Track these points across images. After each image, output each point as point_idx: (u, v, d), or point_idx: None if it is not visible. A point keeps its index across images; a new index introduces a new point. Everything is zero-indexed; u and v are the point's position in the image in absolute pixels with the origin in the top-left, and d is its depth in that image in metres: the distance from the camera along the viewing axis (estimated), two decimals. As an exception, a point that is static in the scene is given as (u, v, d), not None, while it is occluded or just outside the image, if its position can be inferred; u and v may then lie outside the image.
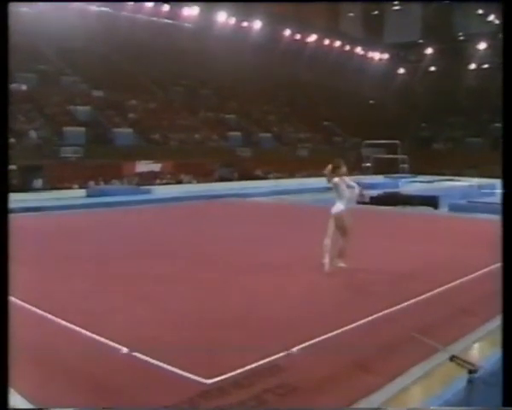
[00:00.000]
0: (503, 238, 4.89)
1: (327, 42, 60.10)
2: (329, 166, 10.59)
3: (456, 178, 42.57)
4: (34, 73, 37.93)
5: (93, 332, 7.17)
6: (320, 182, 37.19)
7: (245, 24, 53.99)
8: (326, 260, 10.40)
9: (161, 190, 30.55)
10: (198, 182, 37.95)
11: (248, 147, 44.10)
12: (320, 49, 58.83)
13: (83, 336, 7.15)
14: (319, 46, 59.03)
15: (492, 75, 47.39)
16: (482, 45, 54.32)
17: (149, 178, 36.21)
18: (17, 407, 4.95)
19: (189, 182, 37.83)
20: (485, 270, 10.78)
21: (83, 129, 35.45)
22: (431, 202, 26.24)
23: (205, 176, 39.26)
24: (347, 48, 61.89)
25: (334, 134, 54.01)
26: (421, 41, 58.61)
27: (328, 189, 32.59)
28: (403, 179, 40.66)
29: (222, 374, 5.81)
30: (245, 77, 51.59)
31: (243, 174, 40.72)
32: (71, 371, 6.18)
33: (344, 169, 10.62)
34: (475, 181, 39.43)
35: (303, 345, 6.61)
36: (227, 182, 37.65)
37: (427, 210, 25.06)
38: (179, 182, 37.41)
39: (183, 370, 5.94)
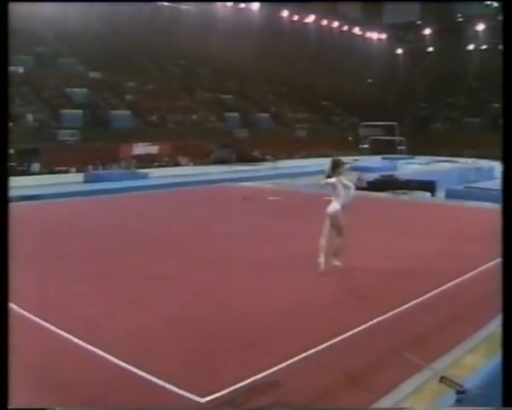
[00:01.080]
0: (504, 231, 4.88)
1: (325, 23, 59.81)
2: (329, 164, 10.51)
3: (454, 159, 42.58)
4: (31, 56, 37.74)
5: (83, 341, 7.14)
6: (318, 164, 37.61)
7: (242, 5, 53.68)
8: (321, 260, 10.24)
9: (158, 174, 30.54)
10: (195, 164, 37.92)
11: (246, 128, 44.07)
12: (318, 29, 58.54)
13: (73, 345, 7.12)
14: (317, 27, 58.76)
15: (491, 56, 47.28)
16: (481, 27, 54.12)
17: (147, 161, 36.19)
18: (17, 407, 4.89)
19: (187, 164, 37.79)
20: (482, 268, 10.69)
21: (80, 111, 35.36)
22: (428, 186, 26.25)
23: (202, 158, 39.27)
24: (345, 28, 61.59)
25: (333, 114, 53.95)
26: (419, 22, 58.29)
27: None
28: (400, 161, 40.64)
29: (216, 391, 5.78)
30: (243, 57, 51.37)
31: (241, 156, 40.68)
32: (59, 382, 6.19)
33: (343, 168, 10.54)
34: (473, 163, 39.44)
35: (296, 358, 6.56)
36: (224, 164, 37.65)
37: (423, 196, 25.06)
38: (177, 164, 37.41)
39: (177, 386, 5.92)
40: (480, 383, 5.82)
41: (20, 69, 34.13)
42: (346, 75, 56.51)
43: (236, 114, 45.22)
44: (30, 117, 32.70)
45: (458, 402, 5.36)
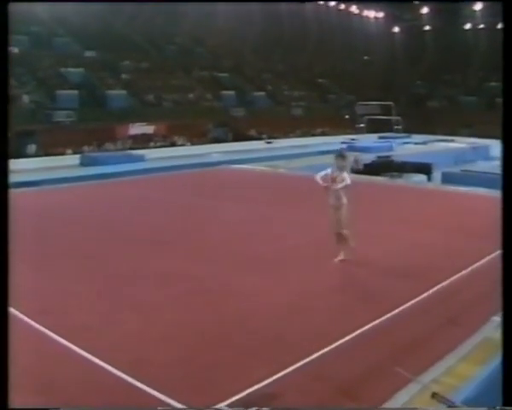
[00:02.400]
0: (504, 223, 4.91)
1: (322, 1, 59.36)
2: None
3: (450, 138, 42.59)
4: (26, 36, 37.47)
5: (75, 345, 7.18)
6: (316, 143, 37.58)
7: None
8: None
9: (155, 155, 30.49)
10: (192, 144, 37.85)
11: (242, 107, 43.92)
12: (315, 8, 58.12)
13: (65, 350, 7.16)
14: (314, 5, 58.33)
15: (488, 35, 47.14)
16: (478, 6, 53.81)
17: (143, 141, 36.14)
18: (17, 407, 4.93)
19: (183, 144, 37.72)
20: (477, 264, 10.65)
21: (76, 92, 35.19)
22: (424, 169, 26.38)
23: (198, 137, 39.21)
24: (342, 6, 61.17)
25: (329, 92, 53.76)
26: (416, 2, 57.89)
27: (327, 152, 32.50)
28: (397, 140, 40.64)
29: (211, 405, 5.82)
30: (239, 35, 51.04)
31: (237, 135, 40.64)
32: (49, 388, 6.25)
33: (336, 161, 10.72)
34: (469, 142, 39.50)
35: (291, 368, 6.58)
36: (221, 143, 37.65)
37: (420, 180, 25.13)
38: (173, 144, 37.33)
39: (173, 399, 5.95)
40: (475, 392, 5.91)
41: (15, 50, 33.90)
42: (342, 53, 56.30)
43: (233, 93, 45.03)
44: (25, 98, 32.55)
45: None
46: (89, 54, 40.44)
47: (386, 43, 56.85)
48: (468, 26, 52.27)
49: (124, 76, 40.62)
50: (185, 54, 47.23)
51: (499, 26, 40.56)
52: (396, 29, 60.44)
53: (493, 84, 44.62)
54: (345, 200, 10.55)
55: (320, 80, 54.56)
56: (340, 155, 10.95)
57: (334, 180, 10.51)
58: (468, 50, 50.04)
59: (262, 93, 47.68)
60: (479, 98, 48.11)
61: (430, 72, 52.79)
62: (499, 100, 5.12)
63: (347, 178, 10.51)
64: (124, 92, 38.18)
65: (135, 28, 45.31)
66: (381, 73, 54.56)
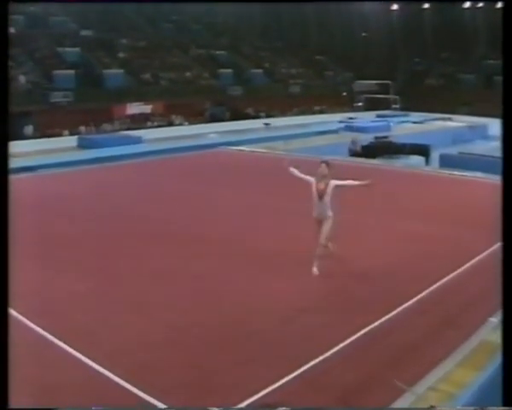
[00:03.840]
0: (503, 211, 4.91)
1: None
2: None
3: (448, 116, 42.51)
4: (22, 15, 37.18)
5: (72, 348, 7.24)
6: (313, 122, 37.45)
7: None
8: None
9: (152, 136, 30.44)
10: (189, 123, 37.78)
11: (240, 85, 43.69)
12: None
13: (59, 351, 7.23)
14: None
15: (487, 14, 46.80)
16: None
17: (140, 121, 36.09)
18: (17, 407, 4.99)
19: (180, 123, 37.64)
20: (476, 260, 10.64)
21: (72, 72, 34.96)
22: (422, 151, 26.39)
23: (196, 116, 39.11)
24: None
25: (327, 69, 53.46)
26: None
27: (325, 132, 32.28)
28: (394, 119, 40.58)
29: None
30: (236, 12, 50.58)
31: (235, 113, 40.55)
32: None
33: (320, 170, 9.81)
34: (467, 121, 39.44)
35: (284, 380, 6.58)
36: (218, 122, 37.56)
37: (417, 163, 25.13)
38: (170, 123, 37.26)
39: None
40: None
41: (12, 30, 33.63)
42: (340, 30, 55.83)
43: (230, 71, 44.76)
44: (22, 79, 32.35)
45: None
46: (85, 33, 40.16)
47: (384, 21, 56.28)
48: (467, 4, 51.76)
49: (121, 55, 40.38)
50: (182, 32, 46.88)
51: (498, 5, 40.34)
52: (395, 6, 59.80)
53: (491, 62, 44.35)
54: (330, 212, 9.83)
55: (317, 57, 54.23)
56: (324, 162, 9.96)
57: (321, 193, 9.79)
58: (466, 29, 49.66)
59: (259, 71, 47.40)
60: (477, 76, 47.88)
61: (428, 49, 52.45)
62: (498, 78, 5.08)
63: (333, 183, 9.73)
64: (121, 71, 37.95)
65: (131, 6, 44.91)
66: (380, 50, 54.17)
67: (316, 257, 9.91)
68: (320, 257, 9.91)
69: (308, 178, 9.98)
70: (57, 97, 32.73)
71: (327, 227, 9.85)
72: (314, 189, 9.82)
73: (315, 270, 9.87)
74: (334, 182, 9.75)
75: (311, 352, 7.10)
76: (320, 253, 9.91)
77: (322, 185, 9.77)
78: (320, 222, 9.91)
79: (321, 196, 9.77)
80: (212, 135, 32.61)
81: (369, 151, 26.85)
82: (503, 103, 5.20)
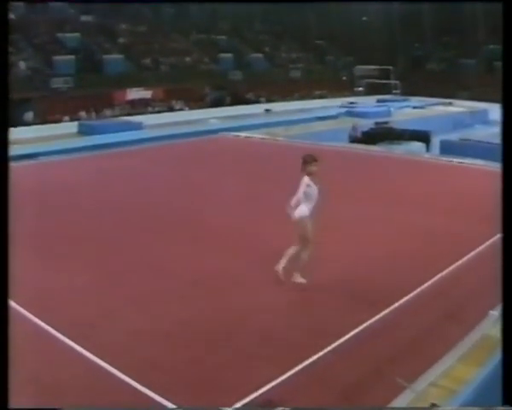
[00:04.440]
0: (504, 201, 4.91)
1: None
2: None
3: (448, 101, 42.46)
4: (22, 1, 37.03)
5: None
6: (314, 108, 37.36)
7: None
8: (280, 267, 8.99)
9: (153, 122, 30.42)
10: (190, 108, 37.75)
11: (240, 69, 43.62)
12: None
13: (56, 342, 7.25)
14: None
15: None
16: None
17: (141, 106, 36.08)
18: (17, 407, 4.98)
19: (181, 109, 37.61)
20: (476, 252, 10.54)
21: (72, 57, 34.95)
22: (422, 137, 26.36)
23: (196, 101, 39.05)
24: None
25: (327, 53, 53.33)
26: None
27: (326, 117, 32.15)
28: (395, 103, 40.49)
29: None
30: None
31: (235, 98, 40.50)
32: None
33: (314, 168, 8.84)
34: (468, 106, 39.43)
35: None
36: (219, 107, 37.51)
37: (418, 150, 25.10)
38: (171, 108, 37.23)
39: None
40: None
41: (12, 16, 33.52)
42: (340, 14, 55.54)
43: (230, 56, 44.65)
44: (22, 65, 32.30)
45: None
46: (85, 18, 40.04)
47: (385, 5, 56.01)
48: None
49: (121, 40, 40.28)
50: (182, 16, 46.69)
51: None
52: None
53: (492, 46, 44.22)
54: (303, 213, 8.76)
55: (318, 42, 54.05)
56: (303, 157, 9.00)
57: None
58: (467, 14, 49.38)
59: (259, 55, 47.29)
60: (478, 61, 47.72)
61: (429, 34, 52.27)
62: (498, 63, 5.10)
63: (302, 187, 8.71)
64: (121, 57, 37.90)
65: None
66: (380, 34, 53.94)
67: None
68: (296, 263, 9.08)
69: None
70: (57, 83, 32.78)
71: (305, 227, 8.93)
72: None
73: (297, 280, 9.03)
74: (304, 180, 8.79)
75: (311, 347, 7.10)
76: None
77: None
78: (295, 224, 8.96)
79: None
80: (212, 120, 32.58)
81: (370, 137, 26.84)
82: (502, 89, 5.21)
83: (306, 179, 8.72)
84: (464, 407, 5.48)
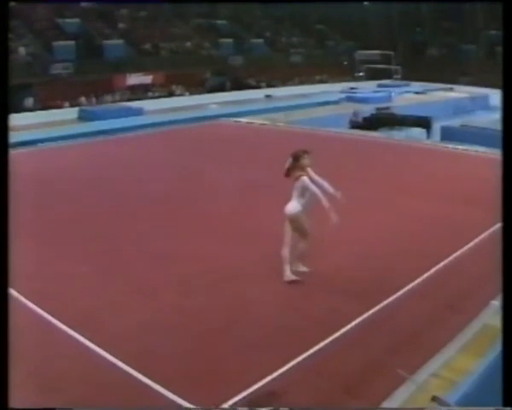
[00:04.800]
0: (504, 188, 4.91)
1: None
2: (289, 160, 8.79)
3: (449, 86, 42.40)
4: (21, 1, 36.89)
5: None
6: (314, 93, 37.22)
7: None
8: (287, 273, 8.84)
9: (153, 107, 30.39)
10: (190, 93, 37.69)
11: (240, 55, 43.47)
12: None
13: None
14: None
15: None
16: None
17: (141, 91, 36.00)
18: (17, 407, 4.95)
19: (181, 94, 37.52)
20: (477, 240, 10.50)
21: (72, 43, 34.80)
22: (424, 123, 26.32)
23: (196, 86, 38.94)
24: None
25: (327, 38, 53.11)
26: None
27: (326, 103, 32.10)
28: (396, 89, 40.38)
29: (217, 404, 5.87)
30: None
31: (235, 83, 40.41)
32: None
33: (307, 160, 8.71)
34: (468, 92, 39.37)
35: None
36: (219, 92, 37.43)
37: (419, 136, 25.09)
38: (171, 94, 37.16)
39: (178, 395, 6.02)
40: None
41: (11, 2, 33.34)
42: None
43: (230, 41, 44.48)
44: (22, 51, 32.19)
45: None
46: (85, 4, 39.80)
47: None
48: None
49: (121, 25, 40.11)
50: (182, 1, 46.45)
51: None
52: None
53: (492, 32, 44.09)
54: (297, 208, 8.64)
55: (318, 26, 53.80)
56: (292, 154, 8.85)
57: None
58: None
59: (260, 40, 47.12)
60: (478, 46, 47.55)
61: (430, 19, 52.06)
62: (499, 49, 5.08)
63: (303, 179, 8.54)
64: (121, 42, 37.76)
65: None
66: (381, 19, 53.72)
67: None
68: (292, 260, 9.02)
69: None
70: (57, 69, 32.64)
71: (300, 223, 8.83)
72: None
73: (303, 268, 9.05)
74: (304, 179, 8.57)
75: (312, 337, 7.13)
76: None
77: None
78: (289, 220, 8.87)
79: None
80: (213, 106, 32.56)
81: (371, 123, 26.81)
82: (503, 76, 5.19)
83: (306, 180, 8.52)
84: (464, 407, 5.47)
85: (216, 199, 13.88)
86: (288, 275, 8.81)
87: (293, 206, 8.64)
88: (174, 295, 8.50)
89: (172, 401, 5.95)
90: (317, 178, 8.69)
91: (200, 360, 6.81)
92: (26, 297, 8.06)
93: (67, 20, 37.02)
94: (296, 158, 8.68)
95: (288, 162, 8.74)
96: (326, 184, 8.64)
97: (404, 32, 52.29)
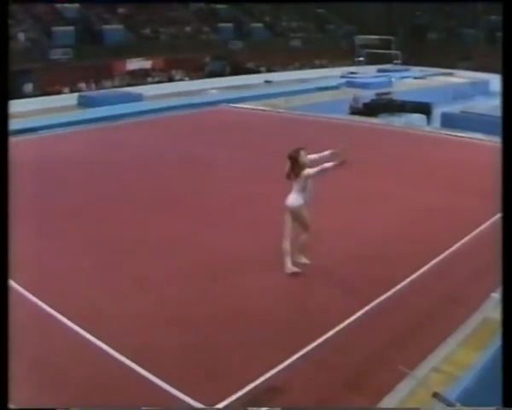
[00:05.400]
0: (504, 177, 4.93)
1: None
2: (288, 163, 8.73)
3: (449, 71, 42.31)
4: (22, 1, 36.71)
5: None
6: (314, 78, 37.10)
7: None
8: (289, 265, 8.87)
9: (153, 93, 30.30)
10: (190, 78, 37.62)
11: (240, 39, 43.33)
12: None
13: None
14: None
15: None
16: None
17: (140, 77, 35.91)
18: (17, 407, 5.03)
19: (181, 79, 37.46)
20: (478, 230, 10.51)
21: (72, 28, 34.67)
22: (424, 109, 26.31)
23: (196, 71, 38.86)
24: None
25: (327, 22, 52.89)
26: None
27: (326, 88, 31.99)
28: (396, 74, 40.28)
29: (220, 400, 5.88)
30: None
31: (235, 68, 40.32)
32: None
33: (304, 158, 8.65)
34: (468, 77, 39.29)
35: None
36: (219, 77, 37.37)
37: (419, 122, 25.07)
38: (170, 79, 37.10)
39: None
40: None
41: (10, -13, 33.20)
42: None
43: (230, 25, 44.31)
44: (21, 36, 32.08)
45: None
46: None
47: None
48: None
49: (120, 10, 39.92)
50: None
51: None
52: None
53: (493, 17, 43.93)
54: (299, 201, 8.66)
55: (318, 10, 53.55)
56: (289, 155, 8.74)
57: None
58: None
59: (260, 25, 46.92)
60: (478, 31, 47.35)
61: (430, 3, 51.76)
62: (499, 34, 5.08)
63: (306, 172, 8.54)
64: (120, 27, 37.62)
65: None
66: (381, 2, 53.46)
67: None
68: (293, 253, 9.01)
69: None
70: (57, 54, 32.56)
71: (301, 216, 8.84)
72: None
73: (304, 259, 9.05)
74: (308, 171, 8.59)
75: (313, 330, 7.19)
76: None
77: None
78: (290, 213, 8.84)
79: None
80: (212, 91, 32.52)
81: (371, 109, 26.81)
82: (502, 64, 5.20)
83: (309, 171, 8.54)
84: (464, 407, 5.48)
85: (217, 186, 13.93)
86: (290, 267, 8.85)
87: (294, 199, 8.65)
88: (175, 289, 8.53)
89: (175, 397, 5.99)
90: (313, 157, 8.74)
91: (202, 353, 6.85)
92: (25, 289, 8.12)
93: (67, 6, 36.82)
94: (293, 159, 8.63)
95: (287, 165, 8.69)
96: (325, 153, 8.77)
97: (403, 16, 52.03)
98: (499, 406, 4.82)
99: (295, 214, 8.72)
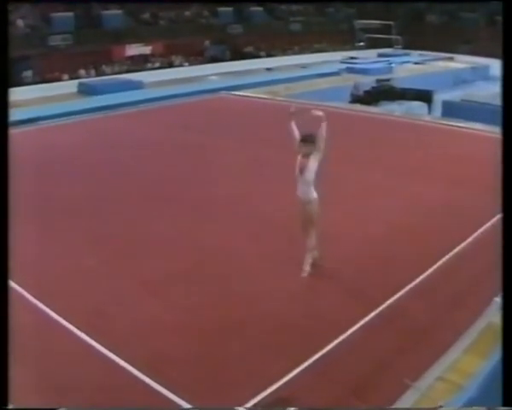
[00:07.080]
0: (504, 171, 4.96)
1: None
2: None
3: (450, 55, 42.24)
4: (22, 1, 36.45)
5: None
6: (315, 62, 36.99)
7: None
8: (306, 266, 8.76)
9: (153, 79, 30.28)
10: (189, 63, 37.52)
11: (239, 23, 43.13)
12: None
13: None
14: None
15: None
16: None
17: (140, 62, 35.81)
18: (17, 407, 5.05)
19: (181, 64, 37.35)
20: (480, 230, 10.38)
21: (71, 14, 34.44)
22: (424, 96, 26.25)
23: (196, 56, 38.75)
24: None
25: (327, 5, 52.59)
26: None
27: (327, 74, 31.78)
28: (396, 59, 40.20)
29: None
30: None
31: (235, 52, 40.21)
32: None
33: (304, 149, 8.42)
34: (469, 62, 39.23)
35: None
36: (219, 62, 37.29)
37: (420, 110, 25.05)
38: (170, 64, 36.98)
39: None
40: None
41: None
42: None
43: (230, 9, 44.05)
44: (20, 23, 31.88)
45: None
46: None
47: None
48: None
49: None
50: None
51: None
52: None
53: (494, 1, 43.71)
54: (315, 194, 8.41)
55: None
56: (305, 139, 8.43)
57: (302, 169, 8.35)
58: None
59: (259, 8, 46.66)
60: (479, 15, 47.10)
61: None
62: (499, 17, 5.06)
63: (314, 165, 8.30)
64: (119, 12, 37.39)
65: None
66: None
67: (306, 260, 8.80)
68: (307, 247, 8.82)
69: (295, 135, 8.59)
70: (56, 40, 32.38)
71: (311, 209, 8.51)
72: (298, 164, 8.44)
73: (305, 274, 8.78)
74: (311, 164, 8.31)
75: (320, 335, 7.20)
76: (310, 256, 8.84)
77: (303, 162, 8.39)
78: (304, 204, 8.48)
79: (301, 169, 8.39)
80: (212, 77, 32.47)
81: (372, 96, 26.81)
82: (503, 52, 5.19)
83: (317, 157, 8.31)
84: (464, 407, 5.51)
85: (218, 179, 13.91)
86: (307, 269, 8.73)
87: (310, 191, 8.36)
88: (179, 290, 8.49)
89: (179, 406, 6.01)
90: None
91: (209, 361, 6.83)
92: (25, 289, 8.12)
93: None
94: (308, 141, 8.36)
95: (302, 152, 8.39)
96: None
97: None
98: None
99: (309, 206, 8.41)
